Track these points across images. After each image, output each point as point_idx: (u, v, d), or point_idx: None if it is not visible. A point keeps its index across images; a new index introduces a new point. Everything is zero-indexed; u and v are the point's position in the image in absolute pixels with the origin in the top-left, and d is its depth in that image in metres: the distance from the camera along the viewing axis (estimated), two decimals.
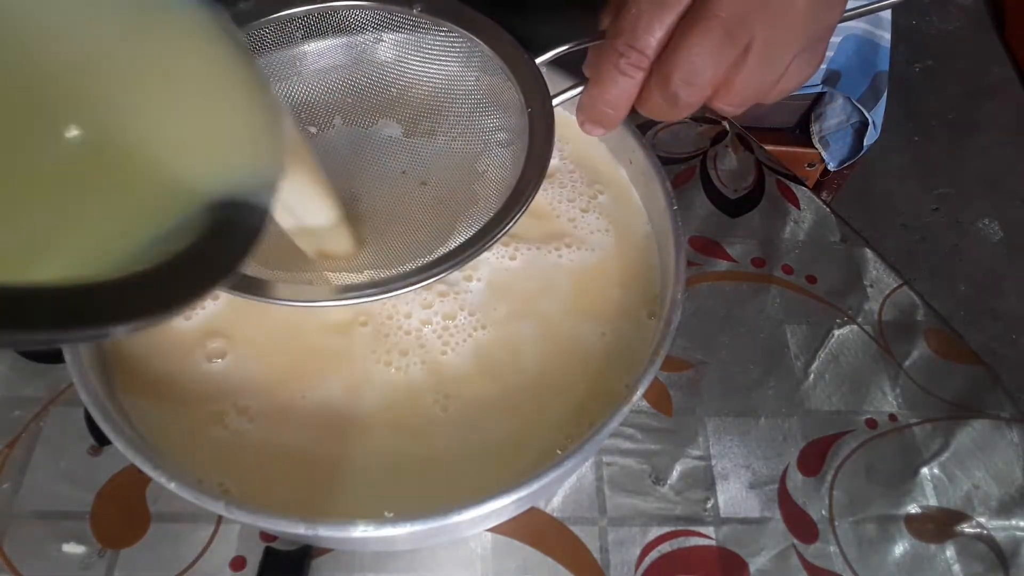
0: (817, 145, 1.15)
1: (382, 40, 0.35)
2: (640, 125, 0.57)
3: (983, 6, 1.84)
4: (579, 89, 0.32)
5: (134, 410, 0.32)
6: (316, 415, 0.33)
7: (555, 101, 0.32)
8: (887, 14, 1.04)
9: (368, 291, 0.29)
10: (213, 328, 0.35)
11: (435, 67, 0.35)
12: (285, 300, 0.29)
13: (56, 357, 0.44)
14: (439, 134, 0.35)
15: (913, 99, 1.63)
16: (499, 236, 0.29)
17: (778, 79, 0.30)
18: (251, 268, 0.29)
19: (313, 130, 0.36)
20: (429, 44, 0.34)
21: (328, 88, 0.36)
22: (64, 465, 0.41)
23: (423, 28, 0.34)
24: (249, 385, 0.34)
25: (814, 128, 1.15)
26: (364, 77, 0.36)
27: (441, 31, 0.34)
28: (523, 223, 0.36)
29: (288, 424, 0.33)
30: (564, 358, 0.36)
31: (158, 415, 0.33)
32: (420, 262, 0.29)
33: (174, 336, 0.35)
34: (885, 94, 1.08)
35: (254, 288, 0.29)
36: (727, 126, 0.59)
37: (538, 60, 0.33)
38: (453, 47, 0.34)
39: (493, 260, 0.38)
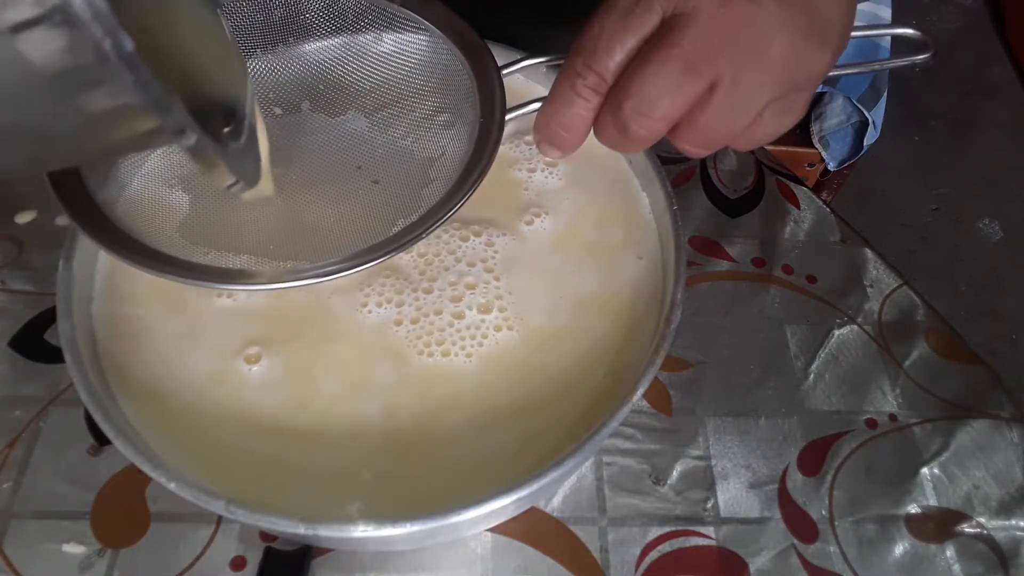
0: (817, 145, 1.15)
1: (358, 33, 0.35)
2: None
3: (983, 6, 1.84)
4: (536, 105, 0.31)
5: (134, 410, 0.32)
6: (326, 417, 0.33)
7: (510, 115, 0.31)
8: (887, 14, 1.04)
9: (306, 275, 0.28)
10: (221, 330, 0.35)
11: (405, 66, 0.35)
12: (221, 284, 0.29)
13: (56, 357, 0.44)
14: (398, 133, 0.35)
15: (913, 99, 1.63)
16: (414, 240, 0.29)
17: (747, 125, 0.28)
18: (194, 255, 0.30)
19: (279, 111, 0.36)
20: (403, 41, 0.34)
21: (299, 71, 0.36)
22: (64, 465, 0.41)
23: (398, 24, 0.34)
24: (252, 383, 0.34)
25: (814, 128, 1.16)
26: (338, 67, 0.35)
27: (415, 29, 0.34)
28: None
29: (294, 426, 0.33)
30: (595, 322, 0.36)
31: (158, 415, 0.33)
32: (350, 252, 0.29)
33: (177, 337, 0.35)
34: (885, 94, 1.08)
35: (198, 274, 0.29)
36: None
37: (505, 72, 0.32)
38: (424, 47, 0.34)
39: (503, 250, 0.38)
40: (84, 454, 0.41)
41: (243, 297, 0.36)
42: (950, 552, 0.42)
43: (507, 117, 0.31)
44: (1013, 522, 0.43)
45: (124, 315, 0.35)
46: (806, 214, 0.55)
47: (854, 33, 0.30)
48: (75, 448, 0.41)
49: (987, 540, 0.42)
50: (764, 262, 0.52)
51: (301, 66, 0.36)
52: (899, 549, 0.42)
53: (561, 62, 0.30)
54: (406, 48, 0.35)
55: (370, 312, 0.35)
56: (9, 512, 0.39)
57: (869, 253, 0.53)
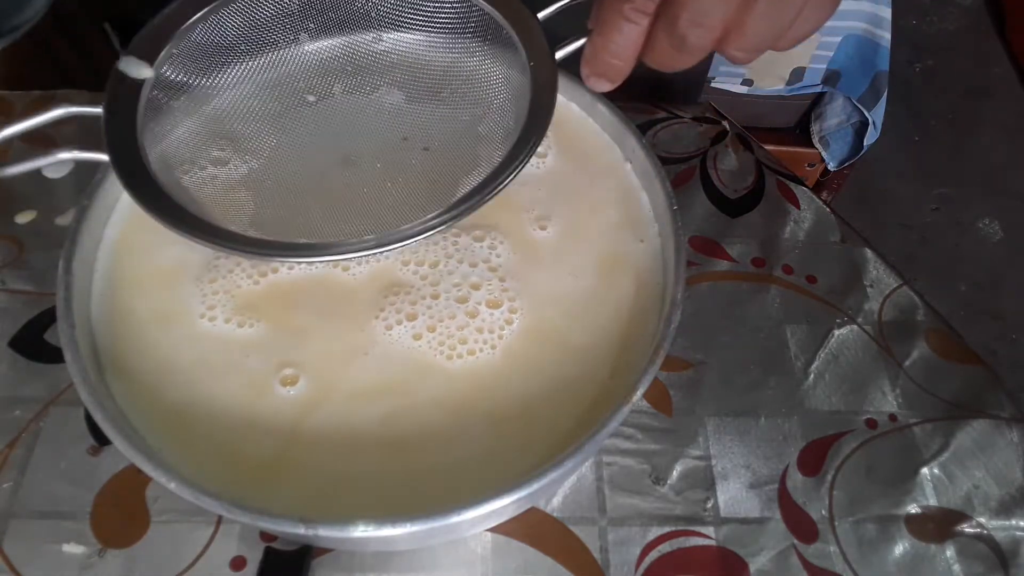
0: (817, 145, 1.16)
1: (378, 4, 0.35)
2: (640, 125, 0.57)
3: (983, 6, 1.84)
4: (582, 41, 0.32)
5: (134, 410, 0.32)
6: (336, 421, 0.33)
7: (558, 54, 0.32)
8: (887, 13, 1.04)
9: (372, 247, 0.29)
10: (223, 332, 0.35)
11: (433, 28, 0.35)
12: (285, 257, 0.29)
13: (56, 357, 0.44)
14: (440, 98, 0.35)
15: (913, 99, 1.64)
16: (497, 190, 0.30)
17: (791, 22, 0.29)
18: (248, 230, 0.30)
19: (312, 99, 0.36)
20: (426, 5, 0.34)
21: (324, 56, 0.36)
22: (64, 465, 0.41)
23: None
24: (255, 386, 0.34)
25: (814, 128, 1.16)
26: (361, 43, 0.36)
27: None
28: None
29: (298, 427, 0.33)
30: (598, 314, 0.37)
31: (159, 415, 0.33)
32: (421, 219, 0.30)
33: (177, 337, 0.35)
34: (885, 94, 1.08)
35: (248, 246, 0.29)
36: (727, 126, 0.59)
37: (540, 15, 0.33)
38: (450, 6, 0.34)
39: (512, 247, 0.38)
40: (84, 454, 0.41)
41: (247, 322, 0.36)
42: (950, 552, 0.42)
43: (557, 56, 0.32)
44: (1013, 522, 0.43)
45: (124, 315, 0.35)
46: (806, 214, 0.55)
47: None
48: (75, 448, 0.41)
49: (987, 540, 0.42)
50: (764, 262, 0.52)
51: (326, 50, 0.36)
52: (899, 549, 0.42)
53: None
54: (429, 15, 0.35)
55: (398, 336, 0.35)
56: (9, 512, 0.39)
57: (869, 253, 0.53)
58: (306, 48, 0.36)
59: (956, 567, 0.41)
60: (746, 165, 0.57)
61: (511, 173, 0.30)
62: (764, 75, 1.11)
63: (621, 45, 0.29)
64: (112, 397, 0.32)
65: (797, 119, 1.18)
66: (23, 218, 0.49)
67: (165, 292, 0.36)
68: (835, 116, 1.12)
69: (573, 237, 0.39)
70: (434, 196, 0.31)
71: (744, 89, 1.13)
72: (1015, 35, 1.75)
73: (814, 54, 1.07)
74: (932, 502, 0.43)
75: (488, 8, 0.33)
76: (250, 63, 0.35)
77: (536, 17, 0.33)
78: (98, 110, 0.30)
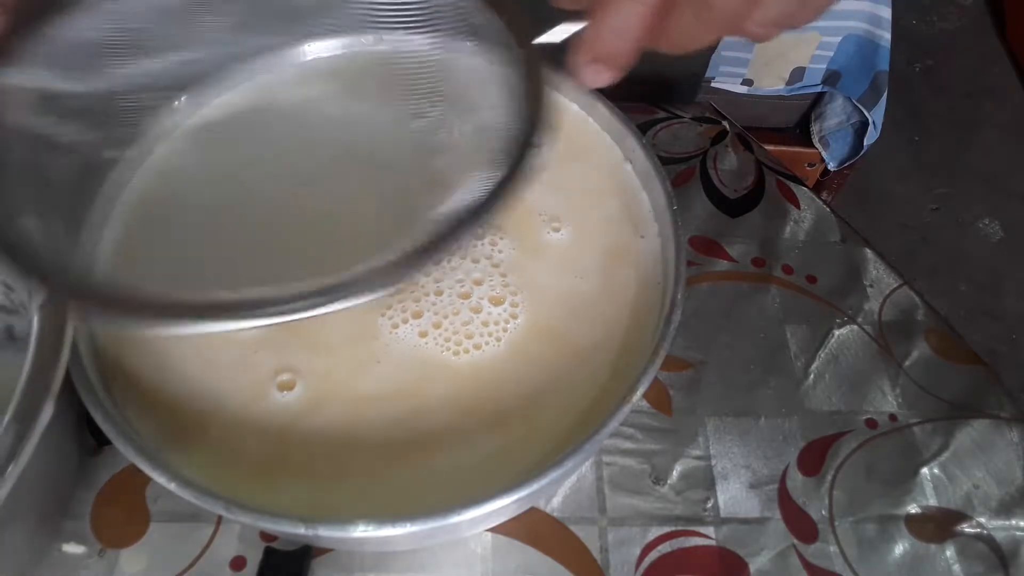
0: (817, 145, 1.15)
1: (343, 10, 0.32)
2: (640, 125, 0.57)
3: (983, 6, 1.84)
4: (568, 26, 0.26)
5: (134, 410, 0.32)
6: (334, 421, 0.33)
7: (544, 37, 0.27)
8: (887, 13, 1.04)
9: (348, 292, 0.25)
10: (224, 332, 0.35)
11: (396, 23, 0.31)
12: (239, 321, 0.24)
13: None
14: (408, 102, 0.32)
15: (913, 99, 1.64)
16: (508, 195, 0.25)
17: None
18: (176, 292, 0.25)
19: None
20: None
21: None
22: (64, 465, 0.40)
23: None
24: (256, 386, 0.34)
25: (814, 128, 1.16)
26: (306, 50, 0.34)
27: None
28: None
29: (299, 427, 0.33)
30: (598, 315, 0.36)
31: (158, 415, 0.33)
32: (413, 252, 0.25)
33: (176, 337, 0.35)
34: (885, 94, 1.08)
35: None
36: (727, 126, 0.59)
37: None
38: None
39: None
40: (84, 454, 0.41)
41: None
42: (950, 552, 0.42)
43: (539, 40, 0.27)
44: (1013, 522, 0.43)
45: None
46: (806, 214, 0.55)
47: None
48: (75, 448, 0.41)
49: (987, 540, 0.42)
50: (764, 262, 0.52)
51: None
52: (899, 549, 0.42)
53: None
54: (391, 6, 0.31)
55: (404, 335, 0.35)
56: (9, 512, 0.39)
57: (869, 253, 0.53)
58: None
59: (956, 567, 0.41)
60: (746, 165, 0.57)
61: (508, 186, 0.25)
62: (764, 75, 1.11)
63: (628, 20, 0.25)
64: (112, 397, 0.32)
65: (797, 119, 1.18)
66: None
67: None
68: (835, 116, 1.12)
69: (573, 236, 0.39)
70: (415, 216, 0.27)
71: (744, 89, 1.13)
72: (1015, 35, 1.75)
73: (814, 54, 1.07)
74: (932, 502, 0.43)
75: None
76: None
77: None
78: None
